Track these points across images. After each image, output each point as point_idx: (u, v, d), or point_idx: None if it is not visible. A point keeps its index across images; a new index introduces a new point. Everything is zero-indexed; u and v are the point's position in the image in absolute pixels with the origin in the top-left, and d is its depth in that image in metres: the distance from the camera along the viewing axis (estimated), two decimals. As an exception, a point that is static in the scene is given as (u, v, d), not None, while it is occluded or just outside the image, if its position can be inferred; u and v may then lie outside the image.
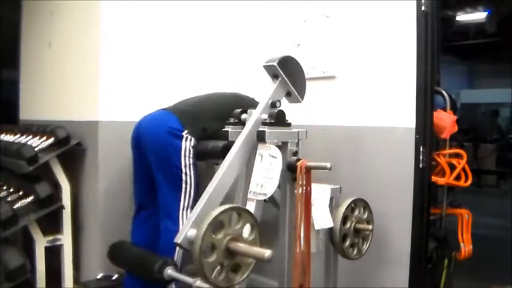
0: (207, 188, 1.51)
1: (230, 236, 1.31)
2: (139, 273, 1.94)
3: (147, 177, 2.07)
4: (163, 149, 1.96)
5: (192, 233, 1.33)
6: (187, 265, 1.89)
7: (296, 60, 1.80)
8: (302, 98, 1.82)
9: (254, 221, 1.38)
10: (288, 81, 1.75)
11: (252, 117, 1.68)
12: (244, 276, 1.36)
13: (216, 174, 1.53)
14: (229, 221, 1.32)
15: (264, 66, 1.76)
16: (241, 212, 1.36)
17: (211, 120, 2.04)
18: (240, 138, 1.61)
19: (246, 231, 1.36)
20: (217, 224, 1.29)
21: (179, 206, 1.94)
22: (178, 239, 1.36)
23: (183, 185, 1.93)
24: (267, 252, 1.24)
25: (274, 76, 1.75)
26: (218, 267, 1.30)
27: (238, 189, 1.69)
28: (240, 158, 1.60)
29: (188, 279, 1.59)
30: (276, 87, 1.74)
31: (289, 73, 1.75)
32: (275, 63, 1.71)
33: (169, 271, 1.74)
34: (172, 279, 1.76)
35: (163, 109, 2.09)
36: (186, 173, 1.93)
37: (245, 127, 1.66)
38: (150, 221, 2.13)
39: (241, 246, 1.30)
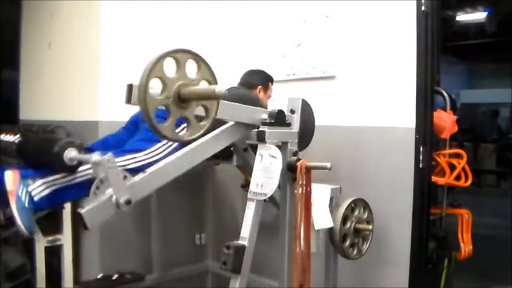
0: None
1: (183, 82, 1.17)
2: (40, 161, 1.60)
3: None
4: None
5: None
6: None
7: (313, 114, 1.85)
8: (301, 148, 1.77)
9: (213, 78, 1.26)
10: (299, 122, 1.75)
11: (250, 109, 1.66)
12: (197, 135, 1.22)
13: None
14: (184, 65, 1.19)
15: (289, 98, 1.78)
16: (200, 62, 1.24)
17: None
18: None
19: (191, 70, 1.23)
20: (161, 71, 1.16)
21: (133, 149, 1.75)
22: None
23: (154, 146, 1.79)
24: (217, 88, 1.13)
25: (291, 111, 1.76)
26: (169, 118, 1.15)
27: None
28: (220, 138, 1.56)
29: (93, 158, 1.29)
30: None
31: (303, 117, 1.76)
32: (300, 98, 1.74)
33: (73, 153, 1.43)
34: (77, 164, 1.49)
35: None
36: (163, 150, 1.80)
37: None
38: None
39: (191, 88, 1.17)
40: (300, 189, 1.61)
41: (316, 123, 1.90)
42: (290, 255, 1.65)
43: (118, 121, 2.37)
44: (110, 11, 2.45)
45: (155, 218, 2.60)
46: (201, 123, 1.25)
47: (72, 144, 1.46)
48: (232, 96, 2.26)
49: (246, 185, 2.33)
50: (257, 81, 2.33)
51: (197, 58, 1.24)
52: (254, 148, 1.69)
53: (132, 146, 1.80)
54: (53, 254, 2.30)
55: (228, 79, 2.74)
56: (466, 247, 2.34)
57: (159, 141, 1.80)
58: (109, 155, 1.24)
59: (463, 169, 2.27)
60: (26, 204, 1.48)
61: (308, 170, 1.63)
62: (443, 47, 3.41)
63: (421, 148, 2.04)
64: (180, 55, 1.20)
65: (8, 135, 2.68)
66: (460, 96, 10.14)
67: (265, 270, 2.33)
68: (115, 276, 2.29)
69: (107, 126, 2.40)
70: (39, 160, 1.60)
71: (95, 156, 1.25)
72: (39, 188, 1.52)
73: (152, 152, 1.79)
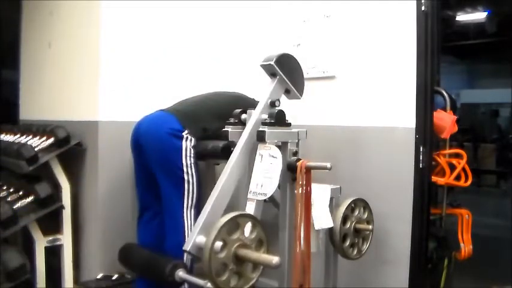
0: (212, 192, 1.52)
1: (238, 243, 1.34)
2: (150, 276, 1.97)
3: (149, 178, 2.07)
4: (164, 150, 1.96)
5: (200, 239, 1.36)
6: (196, 265, 1.91)
7: (293, 57, 1.81)
8: (301, 94, 1.82)
9: (265, 238, 1.43)
10: (286, 79, 1.75)
11: (252, 118, 1.68)
12: (251, 283, 1.40)
13: (220, 177, 1.54)
14: (243, 227, 1.36)
15: (262, 65, 1.76)
16: (257, 224, 1.40)
17: (211, 120, 2.04)
18: (241, 140, 1.62)
19: (247, 230, 1.38)
20: (224, 232, 1.33)
21: (183, 205, 1.94)
22: (187, 246, 1.38)
23: (186, 185, 1.94)
24: (274, 259, 1.27)
25: (272, 74, 1.75)
26: (226, 273, 1.34)
27: (242, 190, 1.69)
28: (242, 160, 1.61)
29: (199, 281, 1.61)
30: (274, 85, 1.74)
31: (287, 71, 1.75)
32: (272, 62, 1.71)
33: (181, 273, 1.75)
34: (184, 281, 1.78)
35: (162, 110, 2.09)
36: (187, 173, 1.94)
37: (245, 128, 1.66)
38: (154, 220, 2.15)
39: (249, 253, 1.33)
40: (300, 189, 1.62)
41: (317, 123, 1.90)
42: (290, 255, 1.65)
43: (118, 121, 2.38)
44: (110, 10, 2.45)
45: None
46: (251, 276, 1.40)
47: (179, 266, 1.78)
48: (229, 95, 2.28)
49: (246, 185, 2.33)
50: None
51: (255, 221, 1.41)
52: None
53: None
54: (53, 254, 2.30)
55: (228, 79, 2.75)
56: (466, 247, 2.35)
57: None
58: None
59: (463, 169, 2.27)
60: None
61: (308, 170, 1.63)
62: (443, 47, 3.41)
63: (421, 148, 2.04)
64: (241, 219, 1.37)
65: (8, 135, 2.68)
66: (460, 96, 10.14)
67: (265, 270, 2.32)
68: (115, 276, 2.29)
69: (107, 126, 2.40)
70: (149, 276, 1.98)
71: (208, 285, 1.48)
72: None
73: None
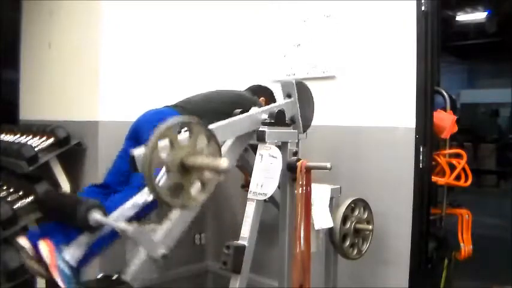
0: None
1: (185, 153, 1.17)
2: (60, 219, 1.64)
3: (127, 170, 1.92)
4: None
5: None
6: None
7: (311, 94, 1.89)
8: (304, 129, 1.83)
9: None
10: (297, 105, 1.79)
11: (250, 112, 1.67)
12: (206, 194, 1.23)
13: None
14: (197, 137, 1.21)
15: (282, 83, 1.82)
16: (212, 140, 1.25)
17: (212, 119, 2.04)
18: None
19: (202, 144, 1.22)
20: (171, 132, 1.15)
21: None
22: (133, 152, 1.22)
23: None
24: (223, 162, 1.12)
25: (288, 95, 1.79)
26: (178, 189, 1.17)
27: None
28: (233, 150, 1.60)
29: (114, 223, 1.40)
30: (286, 103, 1.77)
31: (301, 99, 1.80)
32: (293, 81, 1.79)
33: (96, 215, 1.47)
34: (98, 227, 1.53)
35: (166, 106, 2.09)
36: None
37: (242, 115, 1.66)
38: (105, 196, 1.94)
39: (195, 158, 1.16)
40: (300, 189, 1.62)
41: (317, 123, 1.90)
42: (290, 255, 1.65)
43: (118, 121, 2.38)
44: (110, 10, 2.45)
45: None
46: (197, 196, 1.23)
47: (95, 207, 1.50)
48: (231, 94, 2.28)
49: (246, 185, 2.33)
50: (262, 92, 2.35)
51: (210, 135, 1.25)
52: (254, 148, 1.69)
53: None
54: (53, 254, 2.30)
55: (228, 79, 2.75)
56: (466, 247, 2.35)
57: None
58: (134, 225, 1.32)
59: (463, 169, 2.27)
60: (68, 273, 1.55)
61: (308, 170, 1.63)
62: (443, 47, 3.41)
63: (421, 148, 2.04)
64: (195, 126, 1.22)
65: (8, 135, 2.68)
66: (460, 96, 10.13)
67: (265, 270, 2.33)
68: (115, 276, 2.29)
69: (107, 126, 2.40)
70: (63, 221, 1.63)
71: (122, 225, 1.34)
72: (73, 253, 1.57)
73: None
